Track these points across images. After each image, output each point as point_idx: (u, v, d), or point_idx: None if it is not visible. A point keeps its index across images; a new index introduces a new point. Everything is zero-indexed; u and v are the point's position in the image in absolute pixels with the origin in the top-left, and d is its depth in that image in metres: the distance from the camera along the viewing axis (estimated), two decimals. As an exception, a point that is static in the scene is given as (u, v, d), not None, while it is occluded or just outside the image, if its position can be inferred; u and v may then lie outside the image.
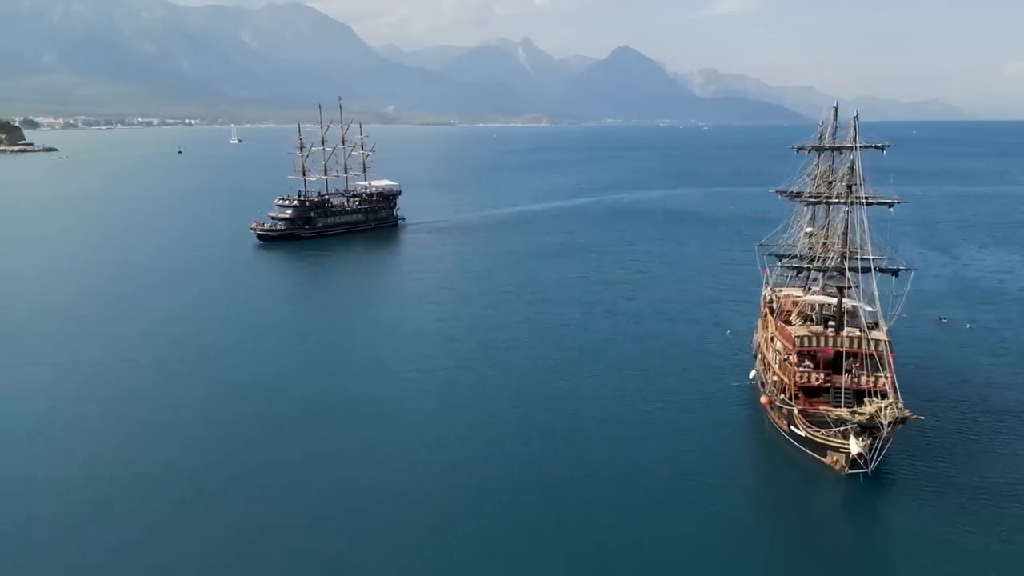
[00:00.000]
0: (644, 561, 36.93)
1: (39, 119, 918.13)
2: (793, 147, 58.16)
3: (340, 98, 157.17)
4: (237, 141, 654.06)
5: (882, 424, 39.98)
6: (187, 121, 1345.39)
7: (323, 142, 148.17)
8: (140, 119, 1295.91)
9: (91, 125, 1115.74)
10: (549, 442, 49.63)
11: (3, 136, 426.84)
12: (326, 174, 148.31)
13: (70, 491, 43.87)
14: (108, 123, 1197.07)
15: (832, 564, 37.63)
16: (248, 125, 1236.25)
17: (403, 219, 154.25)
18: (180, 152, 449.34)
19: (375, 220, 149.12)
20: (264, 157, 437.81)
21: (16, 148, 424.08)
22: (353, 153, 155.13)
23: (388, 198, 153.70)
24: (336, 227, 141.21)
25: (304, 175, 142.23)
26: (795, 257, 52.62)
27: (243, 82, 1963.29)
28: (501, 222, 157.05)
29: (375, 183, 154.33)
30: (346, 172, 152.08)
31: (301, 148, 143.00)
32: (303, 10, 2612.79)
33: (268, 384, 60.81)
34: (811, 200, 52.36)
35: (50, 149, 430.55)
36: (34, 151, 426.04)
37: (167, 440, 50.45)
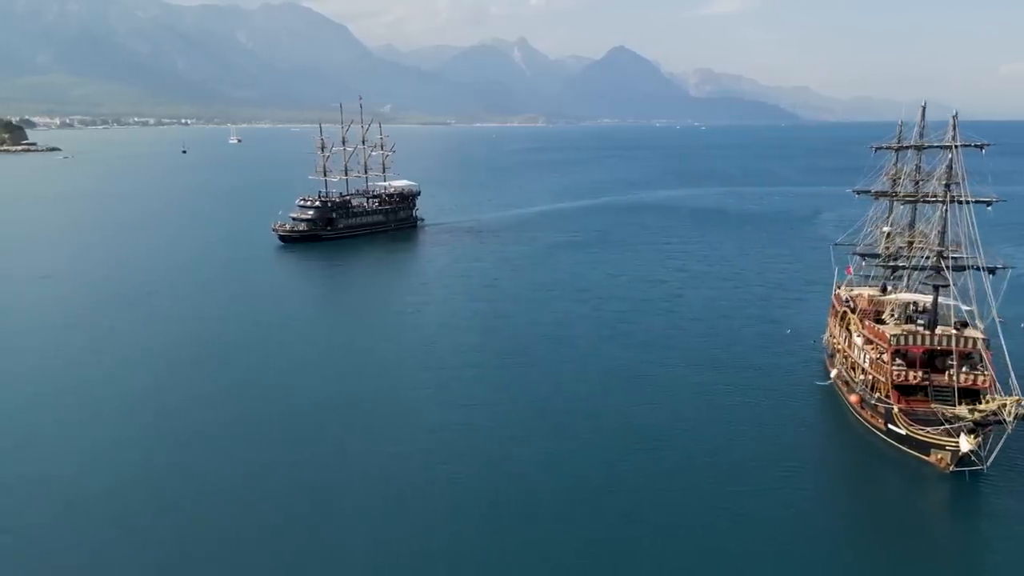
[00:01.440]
0: (739, 560, 36.15)
1: (35, 119, 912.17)
2: (872, 147, 57.35)
3: (360, 98, 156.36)
4: (236, 141, 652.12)
5: (1006, 420, 39.73)
6: (183, 121, 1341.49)
7: (344, 142, 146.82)
8: (136, 119, 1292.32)
9: (88, 125, 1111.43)
10: (620, 439, 48.76)
11: (6, 136, 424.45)
12: (347, 174, 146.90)
13: (92, 489, 43.62)
14: (104, 123, 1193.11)
15: (941, 561, 37.08)
16: (244, 125, 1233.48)
17: (422, 220, 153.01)
18: (185, 152, 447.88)
19: (395, 221, 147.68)
20: (267, 156, 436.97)
21: (19, 148, 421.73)
22: (373, 153, 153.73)
23: (407, 199, 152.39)
24: (358, 228, 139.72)
25: (325, 175, 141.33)
26: (890, 256, 51.95)
27: (238, 82, 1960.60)
28: (523, 222, 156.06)
29: (394, 183, 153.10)
30: (366, 172, 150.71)
31: (323, 148, 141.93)
32: (298, 9, 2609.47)
33: (301, 385, 59.77)
34: (909, 199, 51.52)
35: (53, 149, 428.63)
36: (37, 151, 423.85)
37: (188, 440, 49.77)
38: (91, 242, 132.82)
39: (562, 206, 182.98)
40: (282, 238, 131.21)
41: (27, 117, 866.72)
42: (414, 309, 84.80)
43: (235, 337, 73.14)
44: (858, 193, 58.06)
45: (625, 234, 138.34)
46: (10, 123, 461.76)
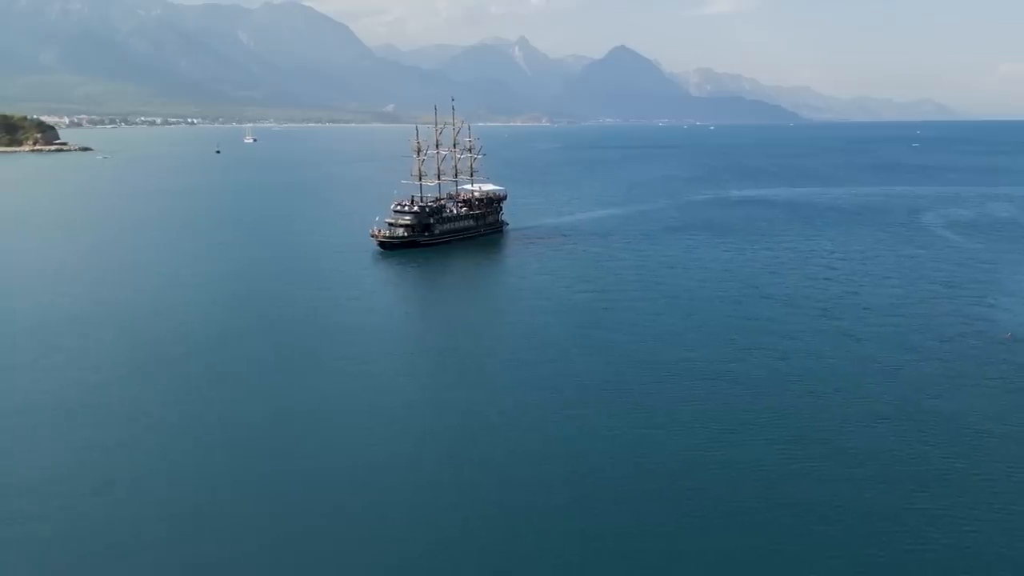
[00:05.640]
0: None
1: (44, 119, 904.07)
2: None
3: (453, 99, 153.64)
4: (252, 140, 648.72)
5: None
6: (190, 120, 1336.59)
7: (437, 145, 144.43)
8: (143, 118, 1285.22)
9: (96, 124, 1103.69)
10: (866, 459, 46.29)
11: (39, 136, 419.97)
12: (439, 178, 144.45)
13: (192, 484, 44.74)
14: (112, 122, 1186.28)
15: None
16: (249, 124, 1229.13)
17: (507, 224, 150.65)
18: (219, 152, 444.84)
19: (484, 226, 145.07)
20: (292, 155, 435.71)
21: (52, 147, 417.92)
22: (461, 156, 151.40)
23: (494, 202, 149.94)
24: (451, 233, 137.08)
25: (421, 179, 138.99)
26: None
27: (241, 81, 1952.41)
28: (622, 223, 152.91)
29: (483, 187, 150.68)
30: (456, 176, 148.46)
31: (419, 152, 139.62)
32: (300, 8, 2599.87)
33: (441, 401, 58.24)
34: None
35: (85, 148, 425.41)
36: (70, 151, 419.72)
37: (284, 445, 49.95)
38: (189, 243, 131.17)
39: (647, 207, 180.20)
40: (381, 244, 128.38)
41: (35, 116, 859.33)
42: (591, 315, 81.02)
43: (371, 353, 69.34)
44: None
45: (744, 233, 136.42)
46: (42, 123, 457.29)
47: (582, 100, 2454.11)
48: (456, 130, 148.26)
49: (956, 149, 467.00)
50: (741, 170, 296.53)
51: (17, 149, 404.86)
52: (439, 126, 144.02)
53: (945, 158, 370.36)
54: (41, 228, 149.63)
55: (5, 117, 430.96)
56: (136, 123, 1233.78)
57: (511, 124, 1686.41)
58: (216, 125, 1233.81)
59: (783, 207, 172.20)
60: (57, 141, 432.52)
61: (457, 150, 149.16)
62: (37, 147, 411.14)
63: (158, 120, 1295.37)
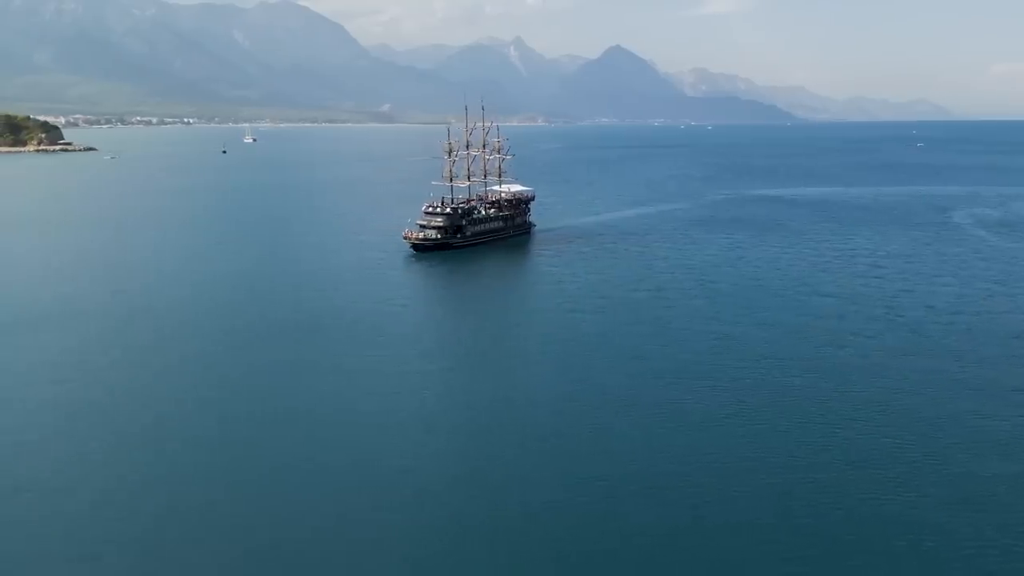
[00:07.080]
0: None
1: (41, 119, 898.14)
2: None
3: (483, 98, 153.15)
4: (252, 140, 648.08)
5: None
6: (186, 120, 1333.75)
7: (467, 146, 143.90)
8: (139, 118, 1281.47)
9: (92, 124, 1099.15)
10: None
11: (43, 135, 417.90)
12: (469, 180, 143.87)
13: (212, 482, 44.93)
14: (108, 122, 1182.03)
15: None
16: (247, 124, 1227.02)
17: (534, 225, 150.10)
18: (224, 152, 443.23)
19: (513, 227, 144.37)
20: (298, 155, 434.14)
21: (57, 147, 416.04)
22: (489, 157, 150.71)
23: (522, 204, 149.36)
24: (482, 235, 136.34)
25: (452, 181, 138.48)
26: None
27: (236, 81, 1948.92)
28: (648, 223, 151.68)
29: (511, 188, 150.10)
30: (485, 177, 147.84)
31: (449, 152, 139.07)
32: (295, 8, 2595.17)
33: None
34: None
35: (89, 148, 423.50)
36: (74, 151, 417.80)
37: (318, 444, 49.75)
38: (220, 242, 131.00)
39: (670, 206, 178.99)
40: (414, 247, 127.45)
41: (34, 117, 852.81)
42: (654, 313, 79.76)
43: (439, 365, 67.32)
44: None
45: (779, 231, 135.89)
46: (46, 123, 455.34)
47: (578, 100, 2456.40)
48: (485, 131, 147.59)
49: (957, 149, 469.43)
50: (750, 170, 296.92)
51: (21, 149, 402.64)
52: (469, 127, 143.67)
53: (950, 158, 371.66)
54: (88, 227, 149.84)
55: (9, 117, 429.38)
56: (132, 123, 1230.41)
57: (507, 124, 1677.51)
58: (212, 125, 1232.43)
59: (807, 206, 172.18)
60: (61, 141, 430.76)
61: (486, 151, 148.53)
62: (42, 147, 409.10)
63: (154, 120, 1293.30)
